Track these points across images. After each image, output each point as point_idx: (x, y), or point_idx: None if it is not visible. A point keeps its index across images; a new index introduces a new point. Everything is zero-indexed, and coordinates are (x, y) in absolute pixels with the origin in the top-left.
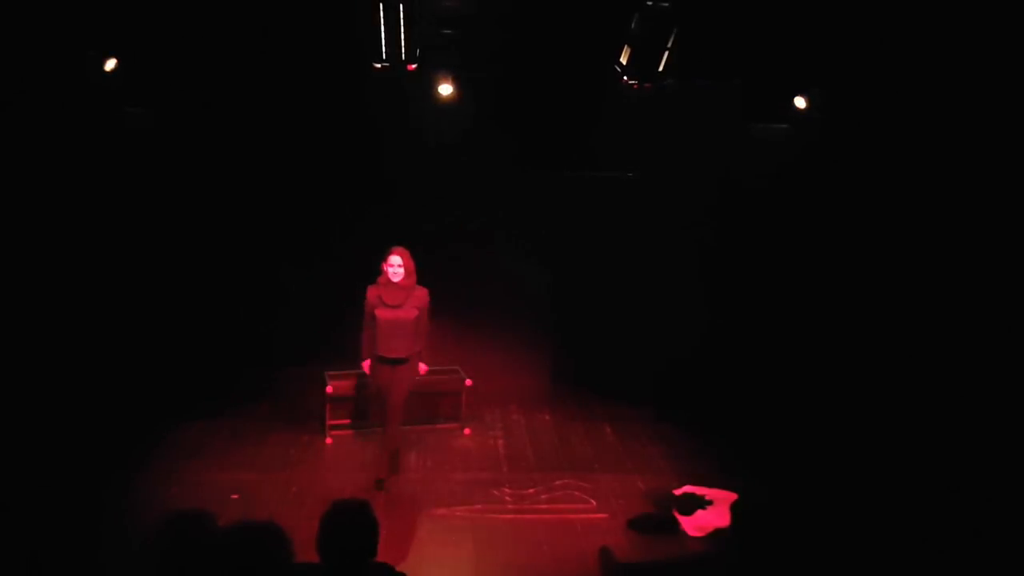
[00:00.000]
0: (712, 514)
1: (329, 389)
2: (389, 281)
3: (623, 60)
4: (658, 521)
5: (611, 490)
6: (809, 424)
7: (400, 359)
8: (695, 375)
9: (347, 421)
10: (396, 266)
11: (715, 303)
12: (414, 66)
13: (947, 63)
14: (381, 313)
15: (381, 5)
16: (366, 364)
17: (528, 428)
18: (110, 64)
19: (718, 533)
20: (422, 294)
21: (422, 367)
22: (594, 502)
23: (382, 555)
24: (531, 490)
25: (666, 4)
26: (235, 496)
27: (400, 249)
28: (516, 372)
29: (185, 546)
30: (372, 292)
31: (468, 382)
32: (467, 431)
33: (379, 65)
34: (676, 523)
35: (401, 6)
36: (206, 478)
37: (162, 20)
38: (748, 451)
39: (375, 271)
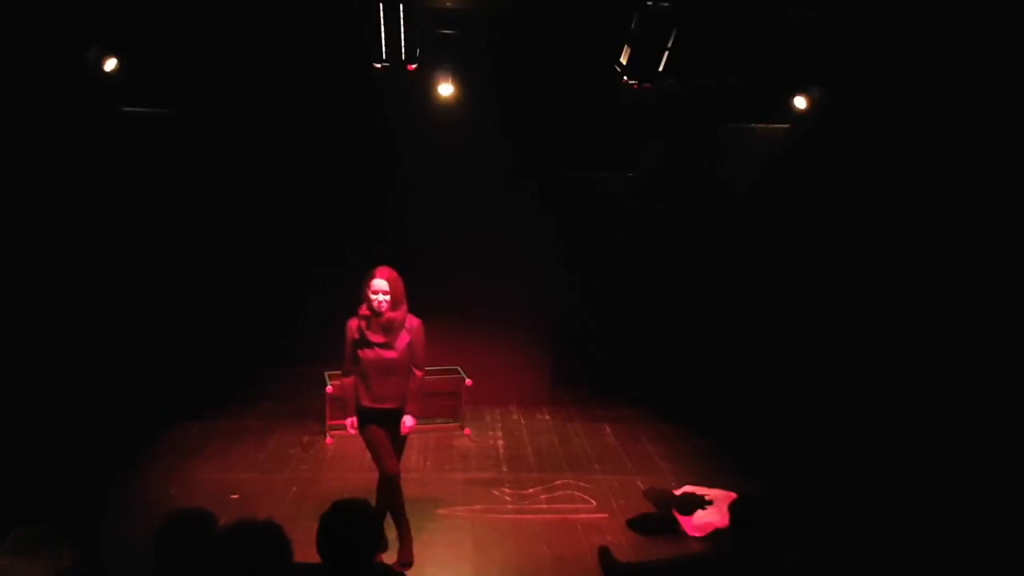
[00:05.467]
0: (712, 514)
1: (329, 389)
2: (373, 311)
3: (623, 60)
4: (658, 521)
5: (611, 490)
6: (809, 424)
7: (392, 410)
8: (695, 375)
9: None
10: (381, 292)
11: (714, 303)
12: (414, 66)
13: (946, 62)
14: (364, 353)
15: (381, 5)
16: (352, 423)
17: (528, 428)
18: (110, 64)
19: (718, 533)
20: (414, 326)
21: (407, 422)
22: (594, 502)
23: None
24: (531, 490)
25: (666, 4)
26: (235, 496)
27: (385, 270)
28: (516, 372)
29: (185, 546)
30: (352, 325)
31: (468, 382)
32: (467, 431)
33: (379, 65)
34: (676, 523)
35: (401, 6)
36: (206, 478)
37: (160, 20)
38: (748, 451)
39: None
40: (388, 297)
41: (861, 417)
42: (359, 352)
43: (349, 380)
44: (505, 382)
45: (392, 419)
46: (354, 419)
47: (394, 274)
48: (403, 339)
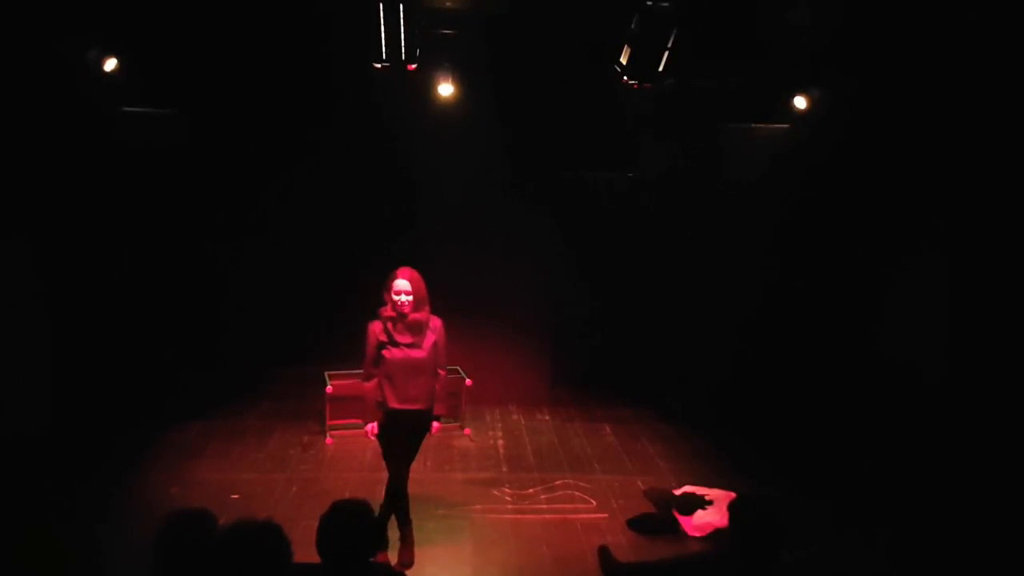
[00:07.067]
0: (712, 514)
1: (329, 389)
2: (397, 313)
3: (623, 60)
4: (658, 521)
5: (611, 490)
6: (809, 424)
7: (420, 411)
8: (695, 375)
9: (347, 421)
10: (404, 293)
11: (714, 303)
12: (414, 66)
13: (946, 62)
14: (392, 354)
15: (381, 5)
16: (372, 428)
17: (528, 428)
18: (110, 64)
19: (718, 533)
20: (437, 326)
21: (435, 426)
22: (594, 502)
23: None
24: (531, 490)
25: (666, 4)
26: (235, 496)
27: (407, 271)
28: (516, 372)
29: (185, 546)
30: (376, 328)
31: (468, 382)
32: (467, 431)
33: (379, 65)
34: (676, 523)
35: (401, 6)
36: (206, 478)
37: (160, 20)
38: (748, 451)
39: (373, 271)
40: (411, 298)
41: (860, 418)
42: (385, 353)
43: (371, 384)
44: (505, 382)
45: (417, 420)
46: (374, 425)
47: (416, 274)
48: (429, 339)
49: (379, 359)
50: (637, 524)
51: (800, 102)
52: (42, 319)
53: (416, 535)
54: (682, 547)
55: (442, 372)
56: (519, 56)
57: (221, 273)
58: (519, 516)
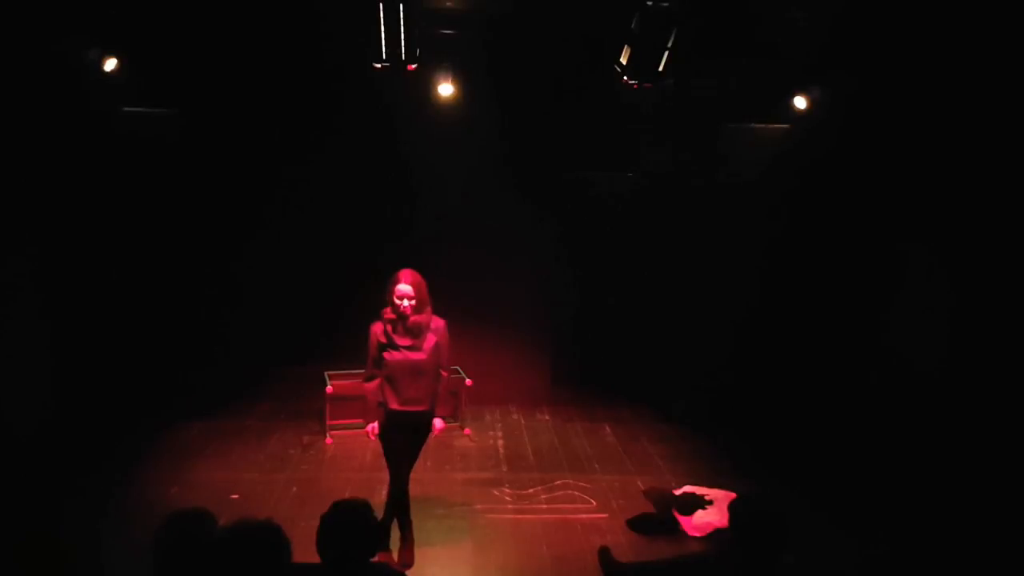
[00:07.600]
0: (712, 514)
1: (329, 389)
2: (399, 315)
3: (623, 60)
4: (658, 521)
5: (611, 490)
6: (809, 424)
7: (421, 412)
8: (696, 375)
9: (347, 421)
10: (406, 298)
11: (715, 303)
12: (414, 66)
13: (945, 62)
14: (392, 356)
15: (381, 5)
16: (373, 429)
17: (528, 428)
18: (110, 64)
19: (718, 533)
20: (440, 326)
21: (437, 424)
22: (594, 502)
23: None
24: (531, 490)
25: (666, 4)
26: (235, 496)
27: (409, 273)
28: (516, 372)
29: (185, 546)
30: (377, 329)
31: (468, 382)
32: (467, 431)
33: (379, 65)
34: (676, 523)
35: (401, 6)
36: (206, 478)
37: (160, 20)
38: (748, 452)
39: (373, 271)
40: (412, 301)
41: (860, 418)
42: (386, 355)
43: (372, 384)
44: (505, 382)
45: (418, 422)
46: (375, 426)
47: (418, 277)
48: (429, 340)
49: (380, 360)
50: (637, 524)
51: (800, 102)
52: (42, 318)
53: (416, 535)
54: (682, 547)
55: (444, 373)
56: (519, 56)
57: (221, 273)
58: (519, 516)
